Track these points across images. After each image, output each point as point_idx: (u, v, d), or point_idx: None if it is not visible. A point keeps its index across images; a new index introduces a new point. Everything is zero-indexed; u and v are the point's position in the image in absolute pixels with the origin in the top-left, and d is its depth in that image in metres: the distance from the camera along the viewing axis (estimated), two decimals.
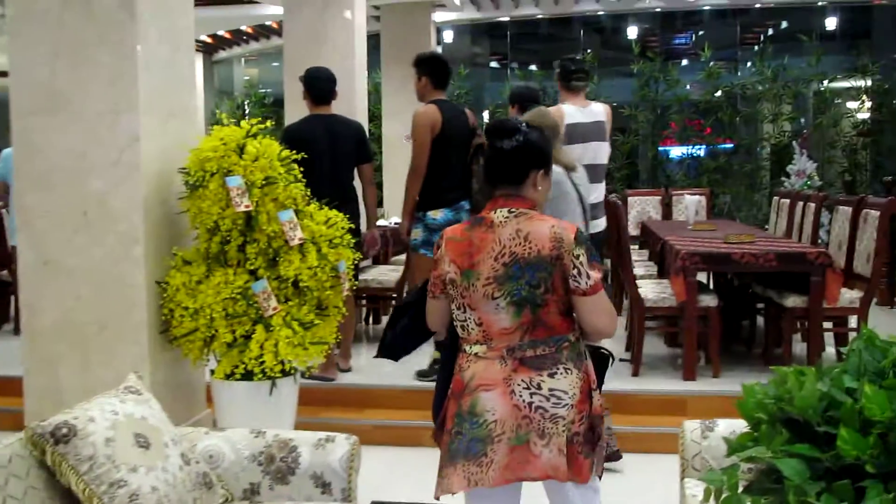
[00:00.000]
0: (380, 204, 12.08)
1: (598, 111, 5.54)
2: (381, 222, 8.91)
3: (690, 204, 8.08)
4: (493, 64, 14.81)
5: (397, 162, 11.66)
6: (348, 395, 5.70)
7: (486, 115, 12.89)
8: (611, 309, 2.76)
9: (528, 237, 2.62)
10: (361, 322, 7.78)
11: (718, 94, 12.55)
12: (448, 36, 13.71)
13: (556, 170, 4.45)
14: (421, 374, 5.78)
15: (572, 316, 2.71)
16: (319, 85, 5.88)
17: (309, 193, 4.51)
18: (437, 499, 2.75)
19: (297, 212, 4.34)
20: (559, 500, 2.77)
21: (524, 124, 2.76)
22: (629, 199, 9.71)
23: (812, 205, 7.11)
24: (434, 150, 5.58)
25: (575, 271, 2.61)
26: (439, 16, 12.34)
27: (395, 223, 8.22)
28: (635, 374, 5.80)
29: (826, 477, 1.98)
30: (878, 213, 5.79)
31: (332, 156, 5.74)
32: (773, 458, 1.99)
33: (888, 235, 5.92)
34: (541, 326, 2.63)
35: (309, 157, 5.58)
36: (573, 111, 5.44)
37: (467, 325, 2.70)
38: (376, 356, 3.20)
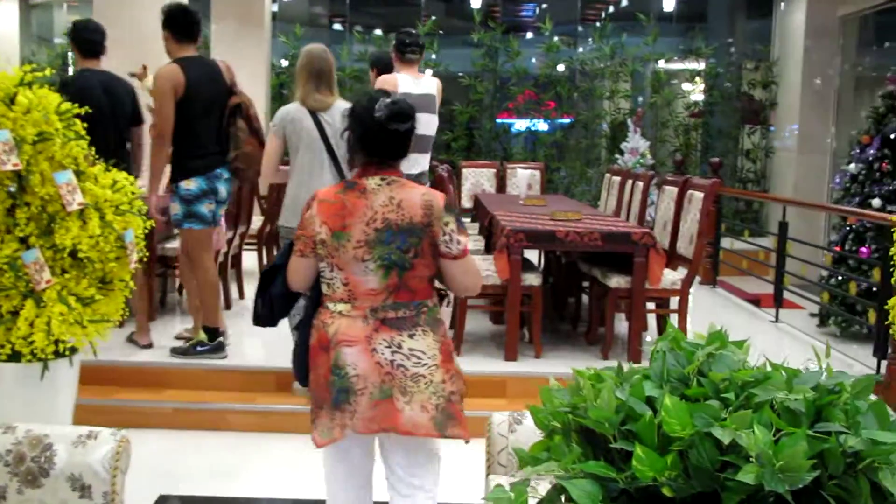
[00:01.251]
0: None
1: (429, 84, 5.75)
2: None
3: (522, 178, 7.95)
4: (336, 26, 14.30)
5: None
6: (146, 375, 5.25)
7: None
8: (477, 269, 3.01)
9: (401, 204, 2.77)
10: (175, 292, 7.27)
11: (560, 68, 12.52)
12: None
13: (297, 107, 4.69)
14: (177, 352, 5.40)
15: (433, 283, 2.91)
16: (88, 36, 5.49)
17: (94, 153, 4.03)
18: (320, 447, 2.84)
19: (77, 173, 3.85)
20: (398, 460, 2.91)
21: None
22: (464, 170, 9.51)
23: (640, 183, 7.08)
24: (181, 114, 5.05)
25: (446, 237, 2.82)
26: None
27: None
28: (457, 353, 5.56)
29: (620, 500, 1.76)
30: (701, 195, 5.76)
31: (111, 114, 5.39)
32: (562, 479, 1.75)
33: (712, 216, 5.91)
34: (405, 290, 2.79)
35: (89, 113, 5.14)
36: (408, 81, 5.65)
37: (333, 284, 2.82)
38: (254, 324, 3.12)
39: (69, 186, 3.76)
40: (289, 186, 4.78)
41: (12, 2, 14.71)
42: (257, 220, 8.09)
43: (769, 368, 1.98)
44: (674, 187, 6.25)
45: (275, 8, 12.44)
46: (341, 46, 12.69)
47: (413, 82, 5.64)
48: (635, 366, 1.99)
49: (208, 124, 5.18)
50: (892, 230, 4.50)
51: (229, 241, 6.79)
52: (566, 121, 12.68)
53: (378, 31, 13.25)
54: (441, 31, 12.68)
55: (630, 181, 7.46)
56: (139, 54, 7.17)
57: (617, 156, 11.28)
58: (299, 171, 4.71)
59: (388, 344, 2.76)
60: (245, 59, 11.22)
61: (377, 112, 2.78)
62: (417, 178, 5.58)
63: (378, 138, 2.81)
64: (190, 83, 5.05)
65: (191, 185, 5.13)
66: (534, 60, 12.75)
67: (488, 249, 6.73)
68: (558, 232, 5.47)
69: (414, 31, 5.84)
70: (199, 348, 5.31)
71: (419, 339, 2.79)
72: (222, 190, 5.27)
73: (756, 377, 1.86)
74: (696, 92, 12.83)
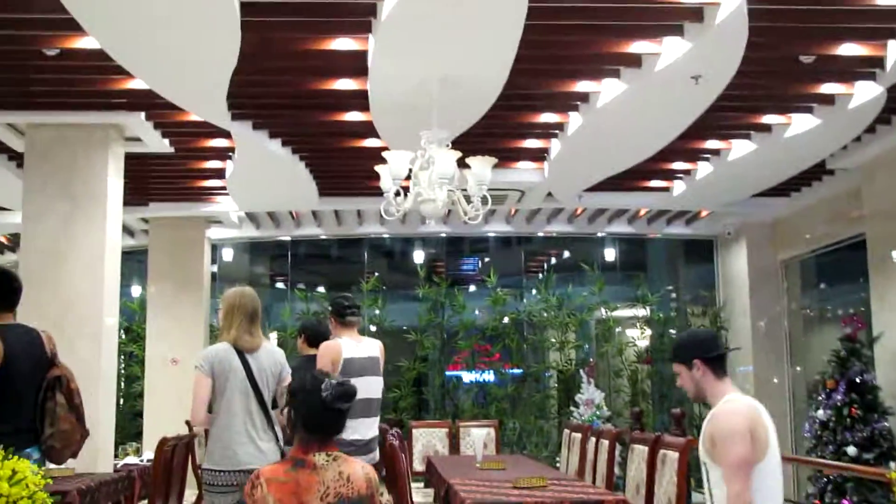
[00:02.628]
0: (139, 436, 10.80)
1: (372, 346, 5.56)
2: (131, 459, 7.79)
3: (478, 438, 7.44)
4: (278, 285, 14.11)
5: (163, 386, 10.59)
6: None
7: (273, 337, 12.00)
8: None
9: (350, 479, 2.94)
10: None
11: (505, 320, 12.33)
12: (227, 254, 12.97)
13: (226, 347, 4.53)
14: None
15: None
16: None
17: None
18: None
19: None
20: None
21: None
22: (414, 431, 9.00)
23: (605, 442, 6.62)
24: None
25: None
26: (215, 232, 11.64)
27: (149, 460, 7.14)
28: None
29: None
30: (676, 455, 5.30)
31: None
32: None
33: (687, 478, 5.43)
34: None
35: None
36: (351, 345, 5.42)
37: None
38: None
39: None
40: (214, 428, 4.55)
41: None
42: (191, 494, 7.37)
43: None
44: (643, 446, 5.79)
45: (214, 269, 12.24)
46: (283, 305, 12.43)
47: (355, 346, 5.45)
48: None
49: (23, 398, 4.63)
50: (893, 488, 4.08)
51: None
52: (516, 372, 12.37)
53: (321, 289, 13.08)
54: (384, 287, 12.55)
55: (593, 438, 6.99)
56: (59, 314, 6.87)
57: (572, 408, 10.88)
58: (225, 412, 4.50)
59: None
60: (182, 320, 10.90)
61: (324, 392, 2.94)
62: (369, 444, 5.32)
63: (323, 417, 2.97)
64: (8, 352, 4.55)
65: None
66: (477, 312, 12.58)
67: None
68: None
69: (350, 295, 5.70)
70: None
71: None
72: None
73: None
74: (643, 339, 12.69)
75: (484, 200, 6.05)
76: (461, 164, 6.02)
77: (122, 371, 12.22)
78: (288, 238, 12.53)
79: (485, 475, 6.20)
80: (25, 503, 3.40)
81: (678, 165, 9.29)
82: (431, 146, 5.96)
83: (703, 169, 9.14)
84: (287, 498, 2.84)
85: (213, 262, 12.19)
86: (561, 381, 12.21)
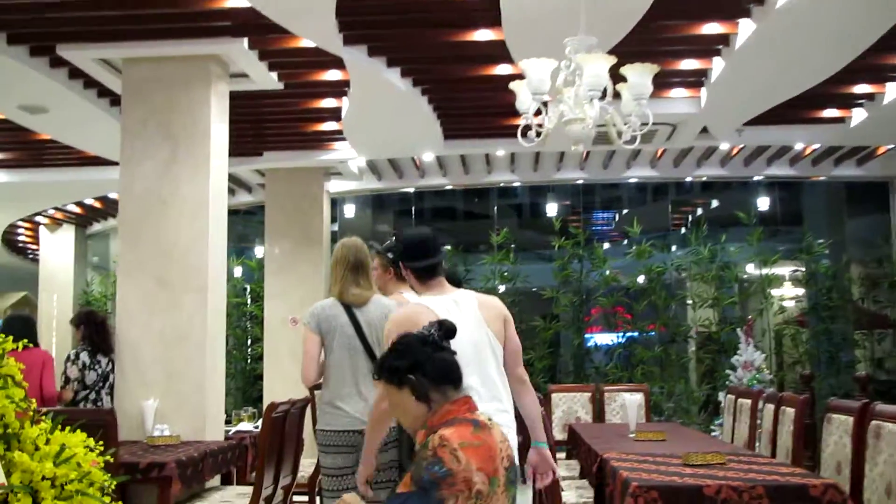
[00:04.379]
0: (260, 400, 10.28)
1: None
2: (245, 426, 7.20)
3: (631, 405, 6.43)
4: None
5: (281, 347, 10.01)
6: None
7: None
8: None
9: (507, 440, 2.68)
10: None
11: (641, 279, 11.22)
12: (349, 210, 12.28)
13: (332, 303, 4.42)
14: None
15: None
16: None
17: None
18: None
19: (5, 438, 2.55)
20: None
21: None
22: (553, 395, 8.08)
23: (789, 410, 5.53)
24: None
25: None
26: (335, 185, 10.91)
27: (256, 427, 6.53)
28: None
29: None
30: None
31: None
32: None
33: None
34: None
35: None
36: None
37: None
38: None
39: None
40: (324, 388, 4.44)
41: (69, 231, 14.24)
42: (308, 463, 6.61)
43: None
44: (846, 416, 4.68)
45: (335, 227, 11.54)
46: None
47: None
48: None
49: None
50: None
51: (268, 499, 5.34)
52: (652, 333, 11.31)
53: (447, 247, 12.27)
54: (514, 245, 11.63)
55: (770, 405, 5.91)
56: (162, 267, 6.30)
57: (728, 371, 9.74)
58: (335, 370, 4.37)
59: None
60: (302, 279, 10.26)
61: (429, 333, 2.76)
62: None
63: (443, 360, 2.71)
64: None
65: None
66: (608, 272, 11.44)
67: (598, 502, 5.18)
68: (706, 487, 3.93)
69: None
70: None
71: None
72: None
73: None
74: (798, 297, 11.39)
75: (643, 120, 4.99)
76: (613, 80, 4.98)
77: (246, 332, 11.77)
78: (412, 189, 11.71)
79: (644, 448, 5.28)
80: (75, 486, 2.63)
81: (860, 88, 7.92)
82: (578, 55, 4.94)
83: (891, 92, 7.77)
84: (486, 465, 2.47)
85: (334, 219, 11.50)
86: (714, 340, 11.03)
